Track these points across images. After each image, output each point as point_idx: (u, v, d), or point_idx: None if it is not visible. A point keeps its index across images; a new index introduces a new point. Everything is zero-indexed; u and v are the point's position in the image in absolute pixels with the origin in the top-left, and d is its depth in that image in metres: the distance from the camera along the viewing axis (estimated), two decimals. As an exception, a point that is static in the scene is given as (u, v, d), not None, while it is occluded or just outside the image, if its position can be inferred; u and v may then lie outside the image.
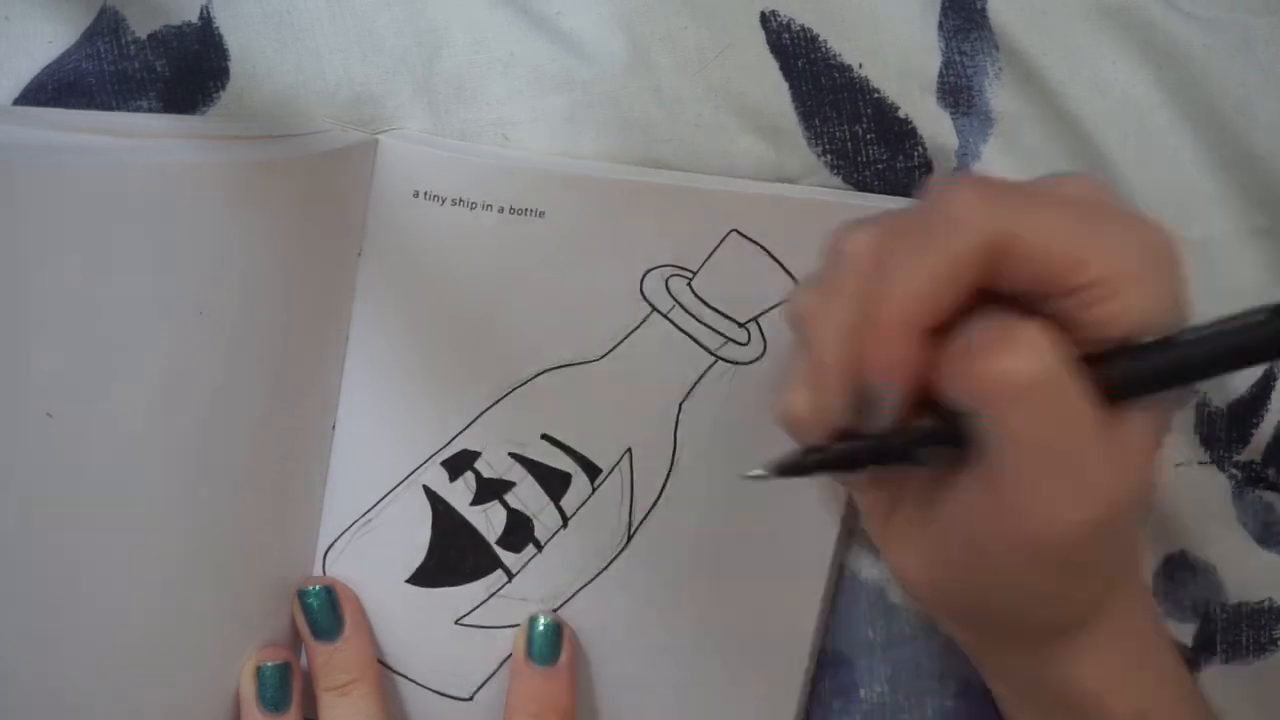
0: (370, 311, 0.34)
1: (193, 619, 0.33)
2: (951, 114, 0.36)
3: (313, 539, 0.36)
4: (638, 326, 0.35)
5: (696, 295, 0.35)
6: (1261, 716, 0.39)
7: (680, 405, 0.36)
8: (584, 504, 0.36)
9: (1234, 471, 0.37)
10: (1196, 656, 0.38)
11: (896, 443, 0.27)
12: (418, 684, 0.37)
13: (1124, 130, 0.34)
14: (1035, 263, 0.26)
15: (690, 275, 0.35)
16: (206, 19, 0.33)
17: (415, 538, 0.36)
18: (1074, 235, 0.26)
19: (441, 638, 0.37)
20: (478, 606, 0.37)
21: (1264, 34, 0.33)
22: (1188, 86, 0.34)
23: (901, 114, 0.35)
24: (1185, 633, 0.38)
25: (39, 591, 0.29)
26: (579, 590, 0.37)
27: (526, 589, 0.37)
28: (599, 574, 0.37)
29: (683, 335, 0.35)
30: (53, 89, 0.32)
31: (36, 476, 0.28)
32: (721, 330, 0.35)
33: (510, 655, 0.37)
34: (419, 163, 0.33)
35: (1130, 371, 0.27)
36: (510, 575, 0.37)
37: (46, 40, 0.32)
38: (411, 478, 0.36)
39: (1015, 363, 0.25)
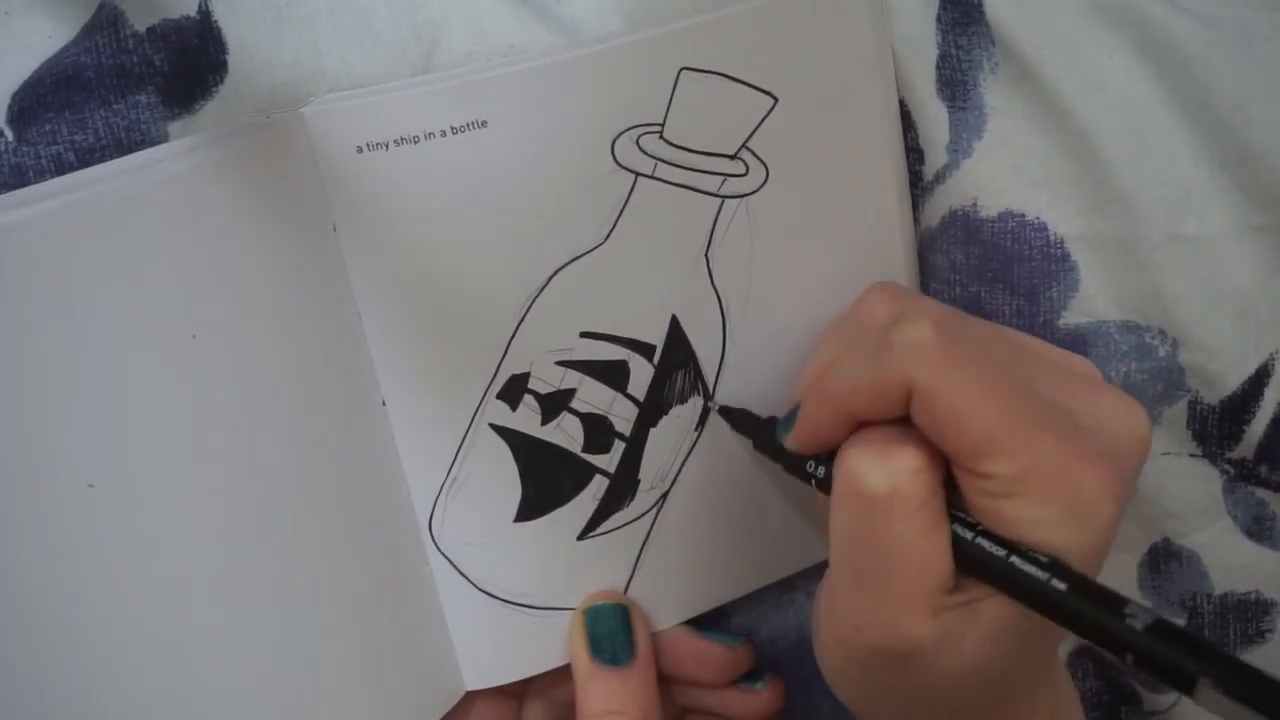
0: (368, 280, 0.34)
1: (304, 650, 0.33)
2: (949, 107, 0.36)
3: (411, 516, 0.36)
4: (629, 197, 0.34)
5: (673, 144, 0.34)
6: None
7: (707, 256, 0.36)
8: (652, 383, 0.36)
9: (1226, 467, 0.37)
10: (1186, 652, 0.39)
11: (799, 464, 0.33)
12: (568, 609, 0.37)
13: (1120, 127, 0.34)
14: (943, 424, 0.28)
15: (659, 128, 0.34)
16: (205, 12, 0.33)
17: (505, 477, 0.36)
18: (1001, 423, 0.28)
19: (571, 558, 0.37)
20: (592, 516, 0.37)
21: (1263, 30, 0.33)
22: (1185, 83, 0.34)
23: (899, 98, 0.36)
24: (1174, 628, 0.38)
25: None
26: (684, 464, 0.37)
27: None
28: (697, 441, 0.37)
29: (678, 188, 0.35)
30: (51, 83, 0.32)
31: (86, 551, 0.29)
32: (714, 169, 0.35)
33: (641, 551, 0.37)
34: (350, 118, 0.32)
35: (983, 560, 0.29)
36: (610, 476, 0.37)
37: (46, 35, 0.32)
38: (475, 423, 0.35)
39: (864, 469, 0.29)
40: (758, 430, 0.36)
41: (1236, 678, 0.25)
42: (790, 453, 0.33)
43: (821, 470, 0.32)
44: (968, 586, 0.29)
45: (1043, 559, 0.28)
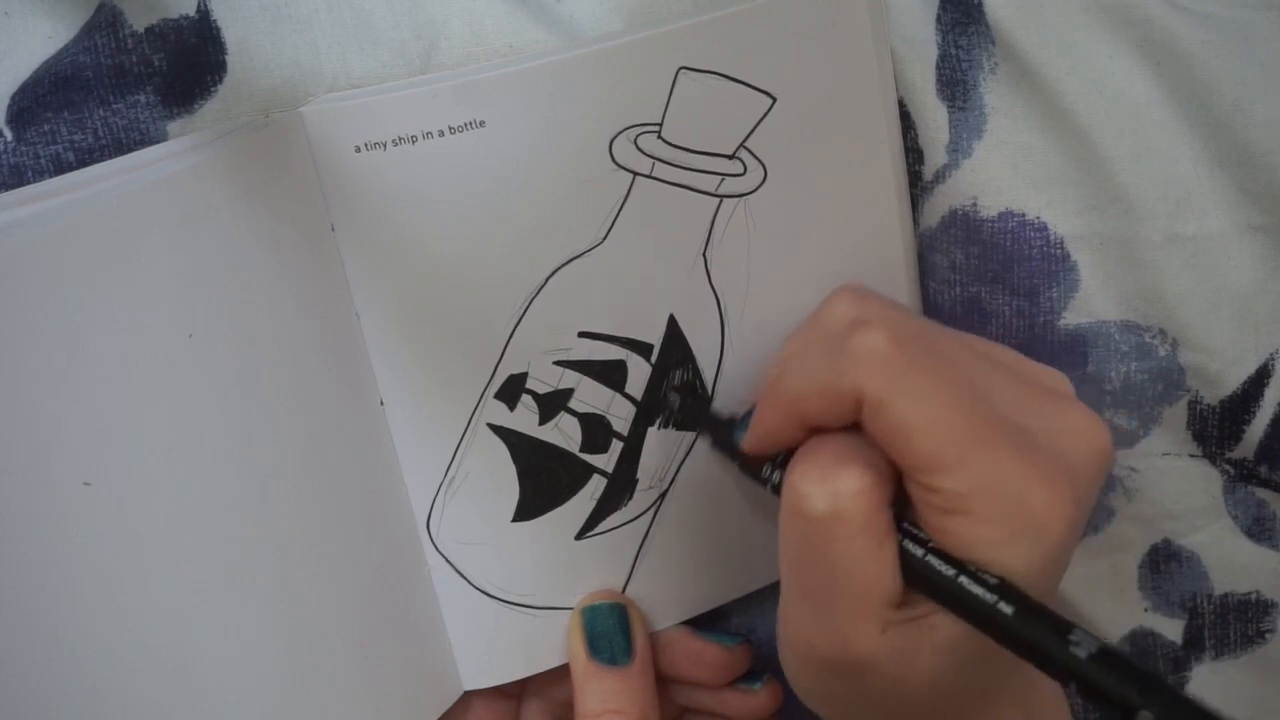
0: (366, 280, 0.34)
1: (302, 650, 0.33)
2: (948, 108, 0.36)
3: (409, 516, 0.36)
4: (627, 196, 0.34)
5: (671, 144, 0.34)
6: (1254, 712, 0.39)
7: (705, 256, 0.36)
8: (650, 382, 0.36)
9: (1226, 467, 0.37)
10: (1186, 654, 0.38)
11: (751, 468, 0.33)
12: (566, 609, 0.37)
13: (1120, 127, 0.34)
14: (891, 436, 0.28)
15: (657, 127, 0.34)
16: (204, 12, 0.33)
17: (503, 477, 0.36)
18: (951, 439, 0.27)
19: (569, 557, 0.37)
20: (590, 516, 0.37)
21: (1263, 30, 0.33)
22: (1185, 83, 0.34)
23: (899, 98, 0.36)
24: (1174, 629, 0.38)
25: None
26: (681, 464, 0.37)
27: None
28: (695, 441, 0.37)
29: (677, 188, 0.35)
30: (50, 83, 0.32)
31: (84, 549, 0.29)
32: (712, 169, 0.35)
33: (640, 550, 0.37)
34: (348, 118, 0.32)
35: (931, 579, 0.28)
36: (608, 476, 0.37)
37: (45, 35, 0.32)
38: (473, 423, 0.36)
39: (806, 489, 0.28)
40: (716, 429, 0.36)
41: (1178, 711, 0.24)
42: (746, 455, 0.33)
43: (777, 475, 0.32)
44: (917, 602, 0.29)
45: (991, 580, 0.27)
